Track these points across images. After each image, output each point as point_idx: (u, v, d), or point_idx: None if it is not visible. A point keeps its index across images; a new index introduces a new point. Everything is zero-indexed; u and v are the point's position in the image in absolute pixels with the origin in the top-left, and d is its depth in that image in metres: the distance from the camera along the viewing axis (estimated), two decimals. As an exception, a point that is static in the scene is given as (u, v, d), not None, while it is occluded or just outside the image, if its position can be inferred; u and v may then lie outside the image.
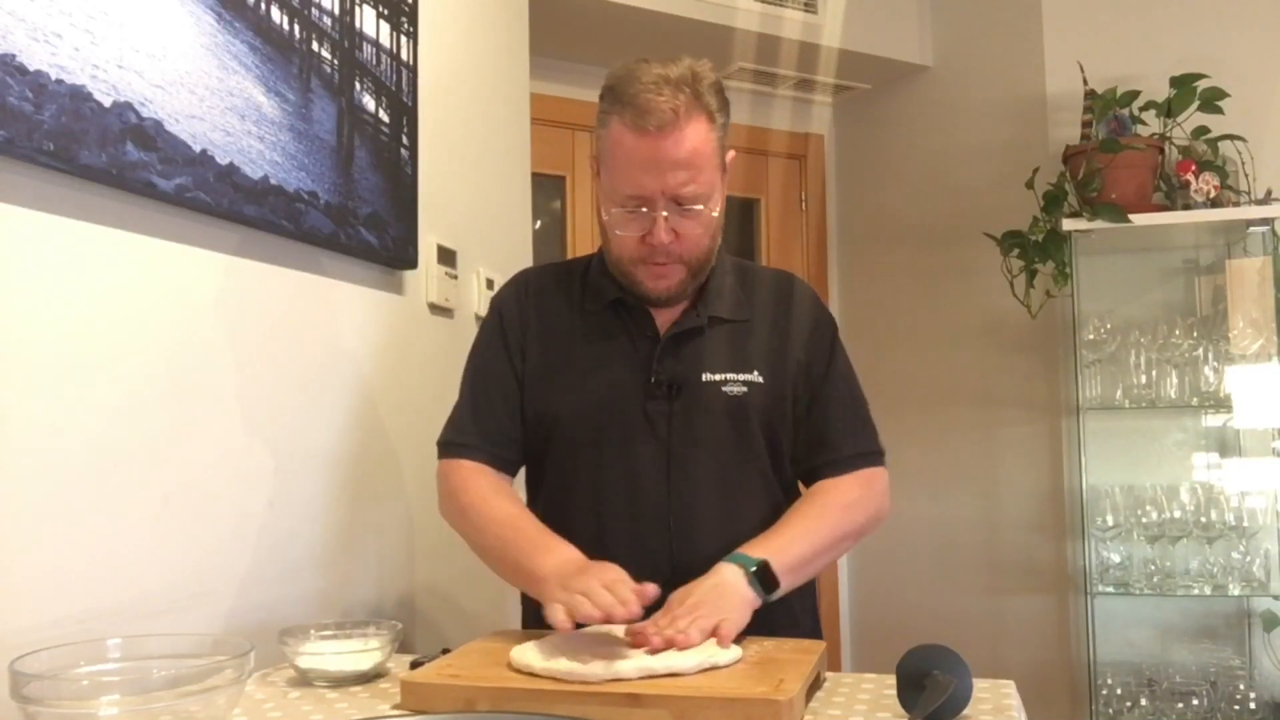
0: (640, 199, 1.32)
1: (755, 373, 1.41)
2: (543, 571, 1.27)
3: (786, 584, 1.28)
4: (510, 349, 1.46)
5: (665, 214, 1.32)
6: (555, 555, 1.29)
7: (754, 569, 1.25)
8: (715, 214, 1.36)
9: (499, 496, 1.40)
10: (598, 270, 1.47)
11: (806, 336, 1.46)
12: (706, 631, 1.15)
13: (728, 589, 1.23)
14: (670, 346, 1.42)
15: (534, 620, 1.46)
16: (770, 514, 1.41)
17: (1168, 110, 2.75)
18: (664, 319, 1.43)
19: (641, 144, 1.28)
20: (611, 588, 1.17)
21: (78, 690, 0.95)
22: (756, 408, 1.41)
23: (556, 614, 1.16)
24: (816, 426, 1.44)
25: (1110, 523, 2.76)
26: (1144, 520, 2.73)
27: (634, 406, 1.40)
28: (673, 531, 1.38)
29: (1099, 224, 2.72)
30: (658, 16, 2.85)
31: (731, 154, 1.41)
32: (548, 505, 1.45)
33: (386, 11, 1.75)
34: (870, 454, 1.45)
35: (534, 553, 1.30)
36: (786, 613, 1.39)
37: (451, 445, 1.46)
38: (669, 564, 1.36)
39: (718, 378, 1.40)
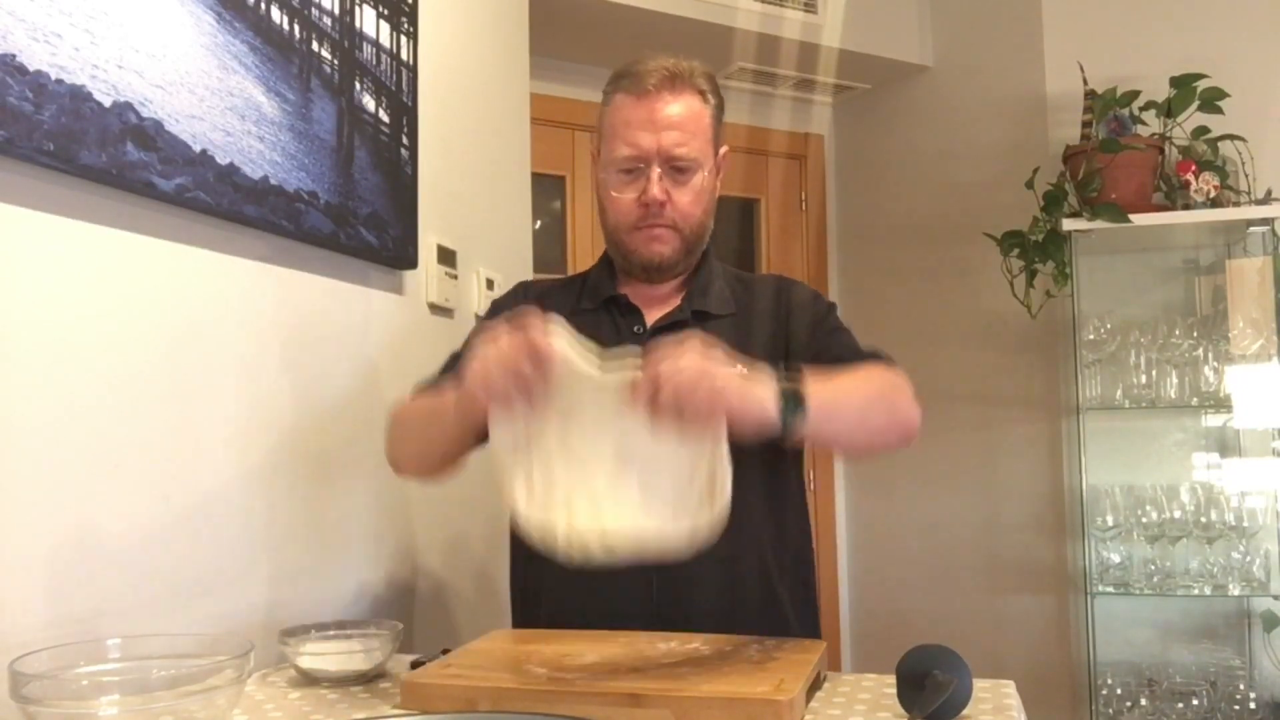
0: (636, 158, 1.39)
1: (739, 366, 1.42)
2: (451, 392, 1.25)
3: (816, 416, 1.15)
4: None
5: (659, 172, 1.39)
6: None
7: (783, 382, 1.15)
8: (706, 184, 1.42)
9: (422, 395, 1.40)
10: (597, 272, 1.53)
11: (803, 313, 1.47)
12: (713, 386, 1.06)
13: (750, 382, 1.13)
14: (655, 340, 1.42)
15: (523, 620, 1.47)
16: (763, 500, 1.42)
17: (1168, 110, 2.75)
18: (652, 315, 1.47)
19: (639, 105, 1.39)
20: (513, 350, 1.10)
21: (78, 690, 0.96)
22: None
23: (476, 390, 1.12)
24: (826, 359, 1.39)
25: (1110, 523, 2.76)
26: (1144, 520, 2.73)
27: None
28: None
29: (1099, 224, 2.72)
30: (658, 16, 2.86)
31: (725, 149, 1.48)
32: None
33: (386, 11, 1.75)
34: (892, 362, 1.40)
35: (442, 390, 1.31)
36: (780, 615, 1.40)
37: (414, 390, 1.47)
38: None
39: None
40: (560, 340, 1.10)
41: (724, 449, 1.09)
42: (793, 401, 1.14)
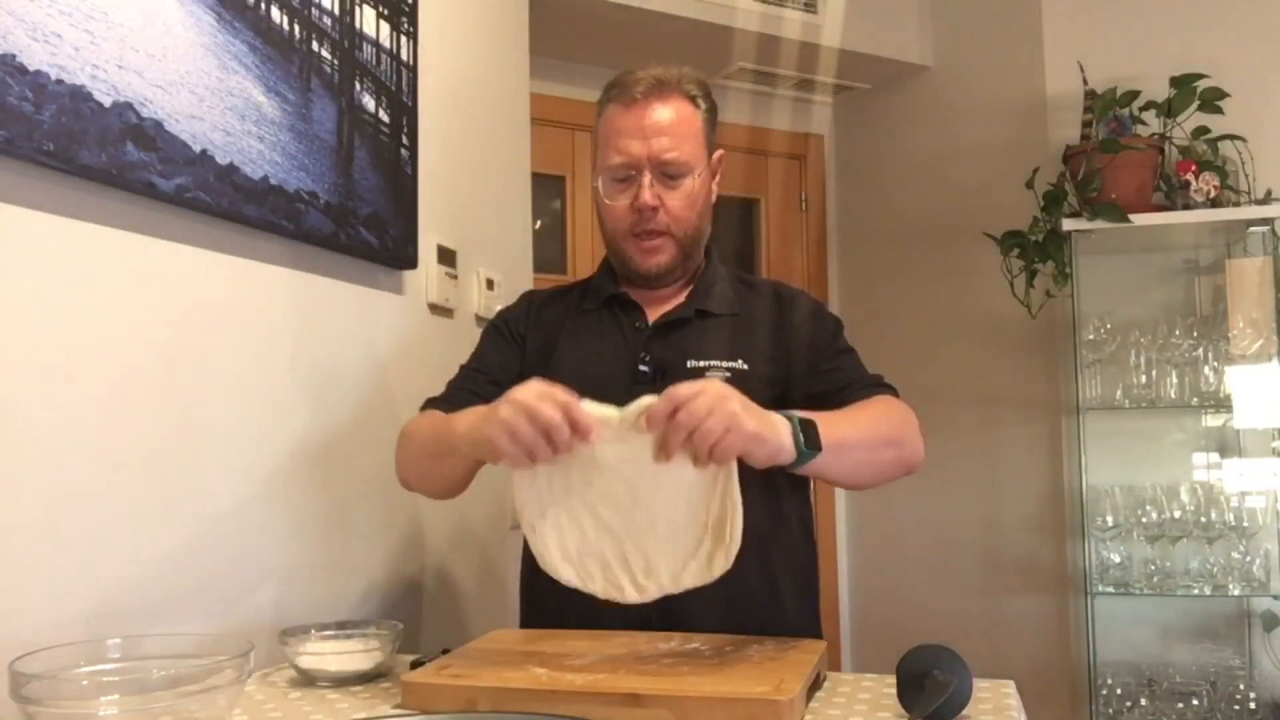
0: (627, 164, 1.41)
1: (740, 360, 1.44)
2: (461, 426, 1.25)
3: (829, 454, 1.20)
4: (507, 341, 1.53)
5: (650, 178, 1.41)
6: (472, 411, 1.27)
7: (797, 420, 1.18)
8: (699, 187, 1.44)
9: (433, 418, 1.41)
10: (599, 277, 1.56)
11: (808, 326, 1.49)
12: (728, 409, 1.09)
13: (765, 414, 1.15)
14: (658, 335, 1.47)
15: (531, 620, 1.47)
16: (760, 493, 1.41)
17: (1168, 110, 2.75)
18: (654, 312, 1.49)
19: (629, 114, 1.41)
20: (540, 400, 1.11)
21: (78, 690, 0.96)
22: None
23: (500, 440, 1.11)
24: (833, 381, 1.43)
25: (1110, 523, 2.76)
26: (1144, 520, 2.73)
27: (621, 392, 1.42)
28: None
29: (1099, 224, 2.72)
30: (658, 16, 2.85)
31: (720, 153, 1.50)
32: None
33: (386, 11, 1.75)
34: (895, 391, 1.43)
35: (452, 421, 1.30)
36: (780, 614, 1.40)
37: (425, 404, 1.49)
38: None
39: (703, 364, 1.43)
40: (589, 405, 1.14)
41: (734, 485, 1.14)
42: (809, 438, 1.18)
